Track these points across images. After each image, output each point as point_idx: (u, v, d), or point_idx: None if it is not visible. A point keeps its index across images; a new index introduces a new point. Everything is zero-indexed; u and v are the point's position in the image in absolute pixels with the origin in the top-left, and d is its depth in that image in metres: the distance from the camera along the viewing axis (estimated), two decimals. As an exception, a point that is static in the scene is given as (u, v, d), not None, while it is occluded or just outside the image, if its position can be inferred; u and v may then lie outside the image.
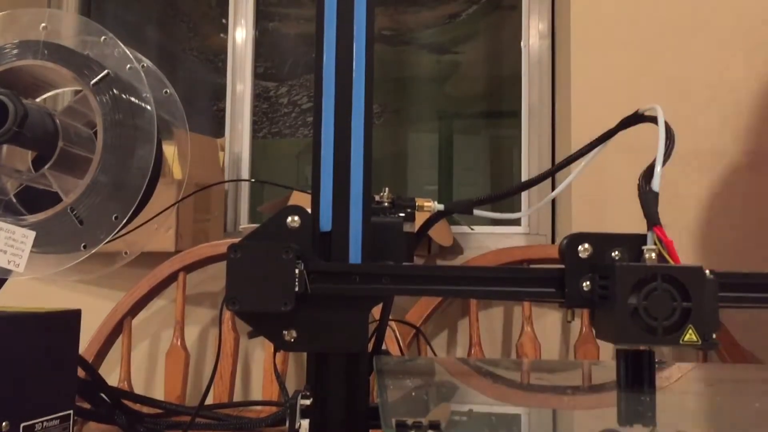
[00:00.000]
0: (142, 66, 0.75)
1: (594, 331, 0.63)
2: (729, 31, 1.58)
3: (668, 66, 1.59)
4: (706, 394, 0.68)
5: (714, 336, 0.56)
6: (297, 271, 0.60)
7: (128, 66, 0.72)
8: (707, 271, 0.57)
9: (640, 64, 1.59)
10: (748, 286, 0.61)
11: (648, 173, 0.62)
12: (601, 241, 0.61)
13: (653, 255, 0.59)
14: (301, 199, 1.24)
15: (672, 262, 0.58)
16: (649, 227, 0.60)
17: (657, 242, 0.59)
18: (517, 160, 1.88)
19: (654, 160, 0.62)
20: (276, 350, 0.65)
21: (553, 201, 1.74)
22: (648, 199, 0.61)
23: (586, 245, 0.61)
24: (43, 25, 0.74)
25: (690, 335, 0.56)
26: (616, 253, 0.61)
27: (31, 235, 0.67)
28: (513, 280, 0.63)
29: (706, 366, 1.24)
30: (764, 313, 1.41)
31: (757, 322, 1.41)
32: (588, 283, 0.60)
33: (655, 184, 0.61)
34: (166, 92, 0.76)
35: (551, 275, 0.62)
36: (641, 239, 0.61)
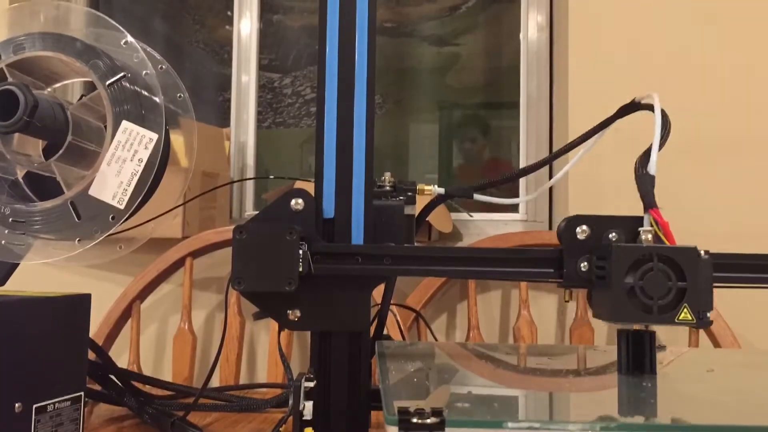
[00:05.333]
0: (161, 68, 0.75)
1: (591, 311, 0.63)
2: (726, 20, 1.60)
3: (664, 57, 1.61)
4: (707, 378, 0.68)
5: (708, 315, 0.57)
6: (301, 252, 0.60)
7: (144, 72, 0.71)
8: (702, 252, 0.58)
9: (636, 55, 1.61)
10: (742, 267, 0.61)
11: (644, 157, 0.62)
12: (599, 223, 0.62)
13: (649, 236, 0.60)
14: (304, 187, 1.26)
15: (668, 243, 0.59)
16: (646, 209, 0.61)
17: (653, 224, 0.60)
18: (515, 150, 1.90)
19: (651, 145, 0.62)
20: (280, 330, 0.66)
21: (551, 189, 1.76)
22: (644, 182, 0.62)
23: (584, 227, 0.62)
24: (59, 17, 0.75)
25: (685, 314, 0.56)
26: (613, 234, 0.62)
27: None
28: (513, 261, 0.63)
29: (699, 350, 1.26)
30: (756, 296, 1.44)
31: (749, 306, 1.43)
32: (586, 263, 0.61)
33: (652, 168, 0.61)
34: (180, 96, 0.76)
35: (550, 256, 0.62)
36: (638, 221, 0.62)
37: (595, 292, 0.62)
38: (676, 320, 0.57)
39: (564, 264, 0.62)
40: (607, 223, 0.62)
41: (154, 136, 0.68)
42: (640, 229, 0.61)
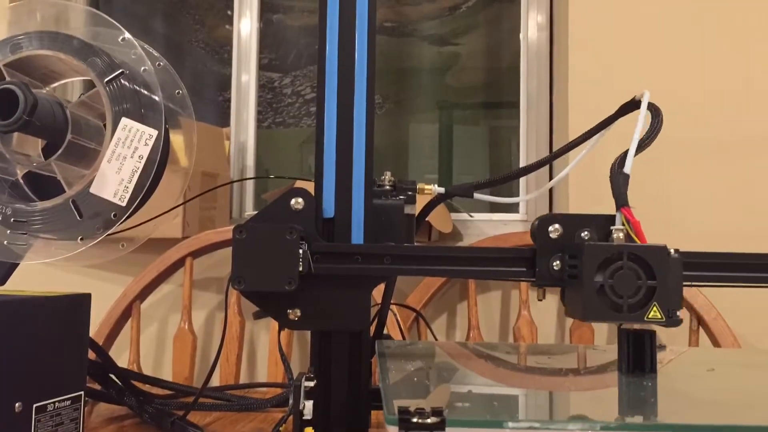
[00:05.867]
0: (158, 65, 0.74)
1: (565, 309, 0.63)
2: (724, 19, 1.60)
3: (664, 57, 1.61)
4: (707, 378, 0.68)
5: (678, 313, 0.57)
6: (301, 251, 0.60)
7: (143, 68, 0.71)
8: (672, 250, 0.58)
9: (636, 55, 1.61)
10: (712, 265, 0.61)
11: (623, 156, 0.62)
12: (571, 222, 0.62)
13: (621, 235, 0.60)
14: (304, 187, 1.25)
15: (638, 242, 0.59)
16: (618, 208, 0.61)
17: (625, 222, 0.60)
18: (515, 150, 1.90)
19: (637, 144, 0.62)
20: (281, 329, 0.66)
21: (551, 189, 1.75)
22: (618, 181, 0.62)
23: (557, 225, 0.62)
24: (58, 16, 0.74)
25: (654, 312, 0.56)
26: (586, 233, 0.62)
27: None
28: (486, 260, 0.63)
29: (699, 350, 1.26)
30: (756, 297, 1.44)
31: (749, 307, 1.44)
32: (558, 262, 0.61)
33: (627, 167, 0.61)
34: (178, 93, 0.76)
35: (523, 255, 0.62)
36: (610, 220, 0.62)
37: (567, 290, 0.62)
38: (645, 318, 0.57)
39: (537, 263, 0.62)
40: (580, 221, 0.62)
41: (154, 133, 0.68)
42: (612, 227, 0.61)
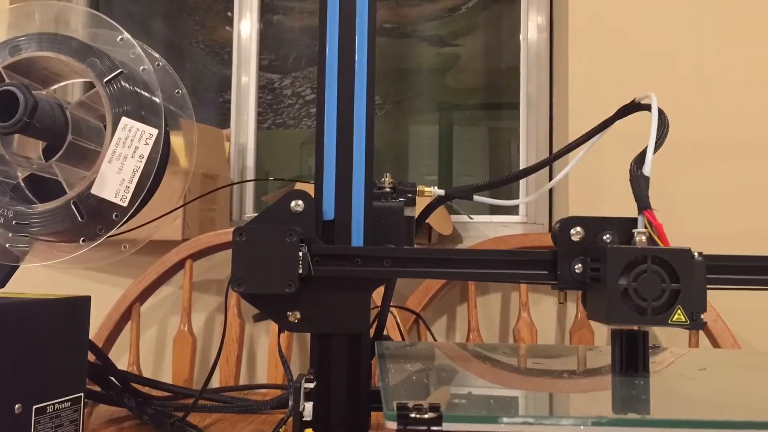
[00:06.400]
0: (157, 65, 0.74)
1: (586, 312, 0.63)
2: (724, 20, 1.60)
3: (664, 57, 1.61)
4: (698, 377, 0.69)
5: (702, 316, 0.57)
6: (301, 254, 0.60)
7: (142, 67, 0.71)
8: (696, 253, 0.58)
9: (636, 55, 1.61)
10: (735, 269, 0.61)
11: (640, 158, 0.62)
12: (593, 225, 0.62)
13: (643, 238, 0.60)
14: (304, 189, 1.25)
15: (661, 245, 0.59)
16: (640, 211, 0.61)
17: (647, 225, 0.60)
18: (515, 151, 1.90)
19: (647, 146, 0.62)
20: (281, 331, 0.66)
21: (551, 191, 1.76)
22: (639, 183, 0.62)
23: (579, 228, 0.62)
24: (57, 17, 0.74)
25: (678, 315, 0.57)
26: (608, 236, 0.62)
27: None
28: (508, 263, 0.63)
29: (697, 351, 1.27)
30: (756, 298, 1.44)
31: (749, 308, 1.44)
32: (580, 265, 0.61)
33: (647, 169, 0.62)
34: (178, 93, 0.75)
35: (545, 258, 0.63)
36: (632, 222, 0.62)
37: (590, 293, 0.62)
38: (669, 321, 0.57)
39: (558, 266, 0.62)
40: (601, 224, 0.63)
41: (154, 132, 0.68)
42: (634, 230, 0.61)
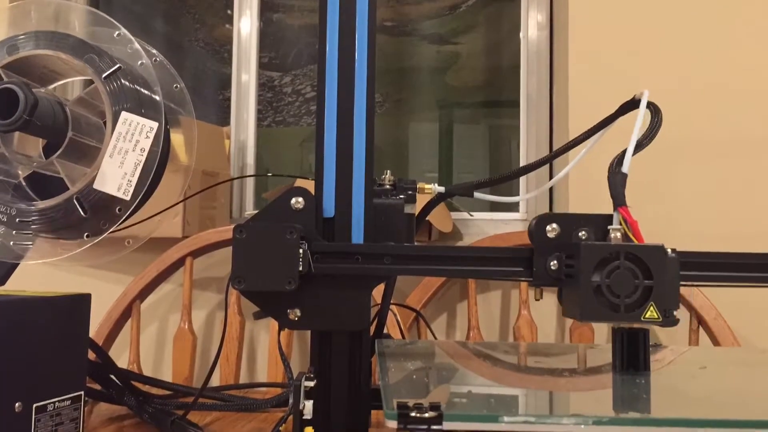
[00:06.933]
0: (155, 60, 0.74)
1: (562, 309, 0.63)
2: (724, 19, 1.60)
3: (663, 57, 1.61)
4: (698, 375, 0.68)
5: (674, 313, 0.57)
6: (301, 251, 0.60)
7: (140, 62, 0.71)
8: (669, 250, 0.58)
9: (636, 55, 1.61)
10: (709, 265, 0.61)
11: (621, 155, 0.62)
12: (569, 222, 0.62)
13: (618, 235, 0.60)
14: (304, 186, 1.25)
15: (636, 242, 0.59)
16: (615, 207, 0.61)
17: (622, 222, 0.60)
18: (515, 148, 1.89)
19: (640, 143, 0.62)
20: (281, 329, 0.66)
21: (551, 188, 1.76)
22: (615, 180, 0.62)
23: (554, 225, 0.62)
24: (55, 15, 0.74)
25: (651, 312, 0.56)
26: (583, 233, 0.62)
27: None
28: (484, 260, 0.63)
29: (699, 349, 1.27)
30: (756, 296, 1.44)
31: (749, 305, 1.44)
32: (555, 262, 0.61)
33: (625, 166, 0.61)
34: (176, 87, 0.75)
35: (521, 255, 0.62)
36: (608, 219, 0.61)
37: (565, 290, 0.62)
38: (642, 318, 0.57)
39: (534, 263, 0.62)
40: (577, 221, 0.62)
41: (155, 125, 0.68)
42: (609, 227, 0.61)
